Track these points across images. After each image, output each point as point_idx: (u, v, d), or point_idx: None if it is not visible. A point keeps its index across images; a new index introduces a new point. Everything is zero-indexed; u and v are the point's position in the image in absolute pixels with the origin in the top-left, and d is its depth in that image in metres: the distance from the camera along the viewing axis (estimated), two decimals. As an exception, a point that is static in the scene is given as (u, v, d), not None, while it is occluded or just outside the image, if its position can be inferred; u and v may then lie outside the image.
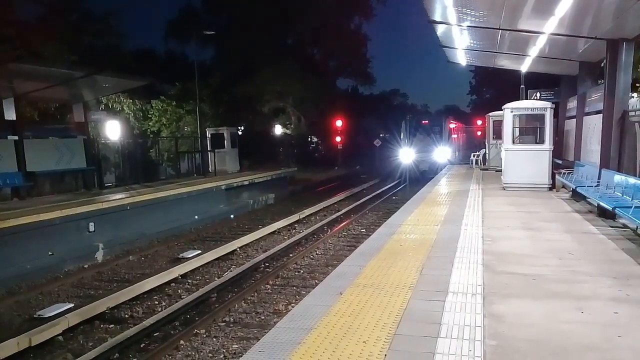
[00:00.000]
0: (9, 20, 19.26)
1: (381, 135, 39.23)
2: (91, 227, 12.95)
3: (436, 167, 27.46)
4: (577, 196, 11.99)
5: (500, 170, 15.85)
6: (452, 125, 35.45)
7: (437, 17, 11.87)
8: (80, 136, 17.71)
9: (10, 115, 15.78)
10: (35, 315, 8.81)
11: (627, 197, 8.81)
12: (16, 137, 15.10)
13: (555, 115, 15.63)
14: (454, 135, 35.61)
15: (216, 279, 10.86)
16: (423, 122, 32.23)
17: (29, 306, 9.52)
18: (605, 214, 9.59)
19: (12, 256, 10.83)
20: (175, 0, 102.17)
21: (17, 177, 14.79)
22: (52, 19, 22.32)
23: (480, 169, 21.84)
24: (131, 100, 25.09)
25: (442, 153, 29.37)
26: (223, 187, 19.69)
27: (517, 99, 18.13)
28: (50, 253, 11.74)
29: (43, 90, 15.66)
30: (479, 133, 37.03)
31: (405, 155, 29.33)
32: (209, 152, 25.28)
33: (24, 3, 22.54)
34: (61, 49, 20.96)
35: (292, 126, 38.97)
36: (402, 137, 30.92)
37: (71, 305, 9.16)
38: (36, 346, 7.42)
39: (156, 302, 9.61)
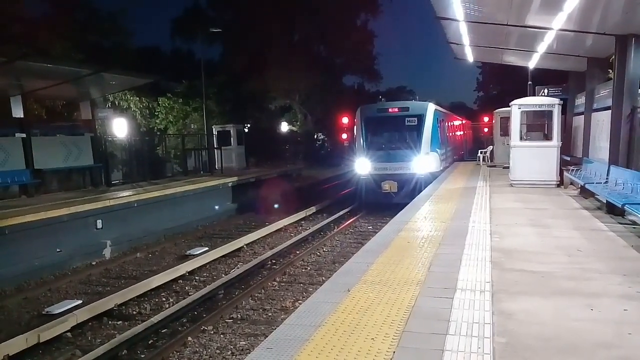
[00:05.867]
0: (17, 18, 19.36)
1: None
2: (99, 224, 13.00)
3: (412, 184, 17.35)
4: (585, 193, 11.91)
5: (508, 167, 15.77)
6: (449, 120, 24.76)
7: (444, 13, 11.79)
8: (88, 133, 17.76)
9: (18, 112, 15.86)
10: (43, 312, 8.87)
11: (637, 194, 8.75)
12: (24, 135, 15.15)
13: (563, 111, 15.53)
14: (449, 133, 24.96)
15: (223, 275, 10.90)
16: (390, 110, 19.14)
17: (37, 303, 9.58)
18: (614, 211, 9.53)
19: (20, 253, 10.90)
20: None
21: (25, 174, 14.86)
22: (59, 17, 22.43)
23: (488, 166, 21.74)
24: (138, 98, 25.15)
25: (424, 161, 17.84)
26: (230, 185, 19.73)
27: (525, 95, 18.06)
28: (58, 250, 11.81)
29: (51, 87, 15.72)
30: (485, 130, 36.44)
31: (362, 165, 18.42)
32: (215, 150, 25.36)
33: (32, 1, 22.71)
34: (68, 47, 21.07)
35: (298, 123, 38.98)
36: (356, 136, 19.81)
37: (79, 301, 9.22)
38: (45, 342, 7.48)
39: (164, 299, 9.67)
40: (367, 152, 18.34)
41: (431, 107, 18.71)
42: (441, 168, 19.25)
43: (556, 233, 8.22)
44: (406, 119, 18.45)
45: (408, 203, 11.86)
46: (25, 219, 11.11)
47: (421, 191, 14.59)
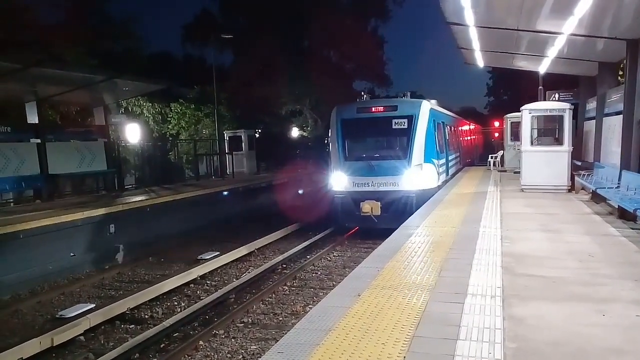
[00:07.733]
0: (31, 24, 19.66)
1: None
2: (111, 229, 13.13)
3: (400, 204, 13.85)
4: (596, 198, 11.84)
5: (519, 172, 15.70)
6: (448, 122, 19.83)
7: (455, 18, 11.82)
8: (101, 139, 17.97)
9: (33, 118, 16.10)
10: (57, 316, 8.98)
11: (649, 199, 8.70)
12: (39, 140, 15.38)
13: (574, 116, 15.46)
14: (454, 139, 21.26)
15: (234, 280, 10.96)
16: (373, 109, 15.08)
17: (51, 306, 9.71)
18: (625, 216, 9.46)
19: (34, 257, 11.04)
20: (192, 3, 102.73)
21: (40, 179, 15.06)
22: (73, 24, 22.74)
23: (498, 171, 21.63)
24: (150, 104, 25.42)
25: (416, 175, 14.14)
26: (240, 189, 19.82)
27: (535, 100, 17.98)
28: (72, 254, 11.95)
29: (65, 93, 15.94)
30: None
31: (337, 180, 14.82)
32: (226, 155, 25.52)
33: (46, 8, 23.05)
34: (81, 53, 21.35)
35: (308, 128, 39.02)
36: (330, 143, 15.90)
37: (92, 305, 9.31)
38: (58, 346, 7.58)
39: (176, 303, 9.74)
40: (344, 164, 14.67)
41: (426, 106, 14.86)
42: (439, 183, 15.38)
43: (567, 238, 8.18)
44: (393, 120, 14.54)
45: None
46: (40, 224, 11.24)
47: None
